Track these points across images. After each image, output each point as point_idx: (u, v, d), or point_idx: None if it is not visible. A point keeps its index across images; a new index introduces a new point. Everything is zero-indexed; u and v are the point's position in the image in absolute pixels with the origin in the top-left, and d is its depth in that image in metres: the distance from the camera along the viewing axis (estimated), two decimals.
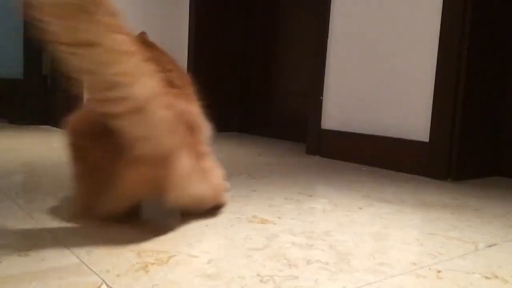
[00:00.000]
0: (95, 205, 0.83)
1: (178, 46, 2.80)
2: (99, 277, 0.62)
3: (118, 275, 0.63)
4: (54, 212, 0.91)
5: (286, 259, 0.73)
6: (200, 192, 0.89)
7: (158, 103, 0.74)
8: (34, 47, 2.58)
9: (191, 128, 0.90)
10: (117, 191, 0.78)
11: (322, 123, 2.03)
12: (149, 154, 0.74)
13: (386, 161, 1.76)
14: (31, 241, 0.74)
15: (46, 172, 1.31)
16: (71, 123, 0.87)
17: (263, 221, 0.94)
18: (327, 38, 2.01)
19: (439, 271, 0.72)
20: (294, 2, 2.63)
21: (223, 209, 1.01)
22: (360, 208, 1.11)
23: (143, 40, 0.99)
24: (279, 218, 0.98)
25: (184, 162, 0.81)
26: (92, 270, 0.64)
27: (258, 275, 0.66)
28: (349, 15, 1.93)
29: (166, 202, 0.81)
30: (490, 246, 0.88)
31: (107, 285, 0.60)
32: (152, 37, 2.58)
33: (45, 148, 1.78)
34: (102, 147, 0.80)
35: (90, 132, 0.82)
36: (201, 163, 0.90)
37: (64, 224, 0.84)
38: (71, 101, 2.45)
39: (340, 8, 1.97)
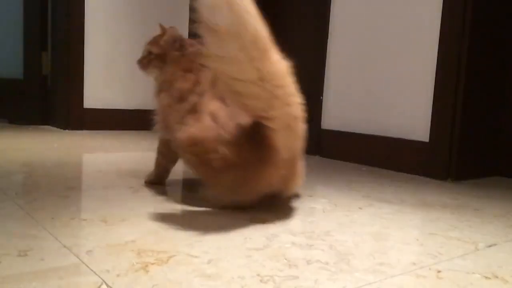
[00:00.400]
0: (227, 197, 1.01)
1: None
2: (99, 277, 0.62)
3: (118, 275, 0.63)
4: (54, 212, 0.92)
5: (286, 259, 0.73)
6: (300, 182, 1.09)
7: (302, 119, 0.94)
8: (34, 47, 2.58)
9: None
10: (257, 186, 0.97)
11: (322, 123, 2.03)
12: (289, 158, 0.96)
13: (386, 161, 1.76)
14: (31, 241, 0.74)
15: (46, 172, 1.31)
16: (198, 133, 1.01)
17: (263, 221, 0.94)
18: (327, 38, 2.01)
19: (439, 271, 0.72)
20: (294, 2, 2.63)
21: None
22: (360, 208, 1.11)
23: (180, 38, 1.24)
24: (279, 218, 0.98)
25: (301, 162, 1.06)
26: (92, 270, 0.64)
27: (258, 275, 0.66)
28: (349, 15, 1.93)
29: (284, 193, 1.05)
30: (490, 246, 0.88)
31: (107, 285, 0.60)
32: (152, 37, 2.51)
33: (45, 148, 1.78)
34: (238, 153, 0.96)
35: (225, 141, 0.97)
36: None
37: (64, 224, 0.84)
38: (71, 101, 2.45)
39: (340, 8, 1.97)
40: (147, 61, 1.26)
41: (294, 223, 0.94)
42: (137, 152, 1.87)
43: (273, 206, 1.08)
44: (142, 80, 2.70)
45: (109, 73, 2.57)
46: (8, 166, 1.38)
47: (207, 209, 1.01)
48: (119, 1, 2.57)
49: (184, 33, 2.81)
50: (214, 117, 1.01)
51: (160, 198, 1.08)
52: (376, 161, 1.79)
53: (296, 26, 2.63)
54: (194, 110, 1.05)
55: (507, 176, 1.74)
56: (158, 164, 1.25)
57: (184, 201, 1.10)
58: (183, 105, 1.08)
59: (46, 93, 2.62)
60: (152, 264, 0.67)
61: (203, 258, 0.71)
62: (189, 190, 1.22)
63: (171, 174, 1.48)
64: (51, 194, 1.06)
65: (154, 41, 1.28)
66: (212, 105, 1.03)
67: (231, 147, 0.96)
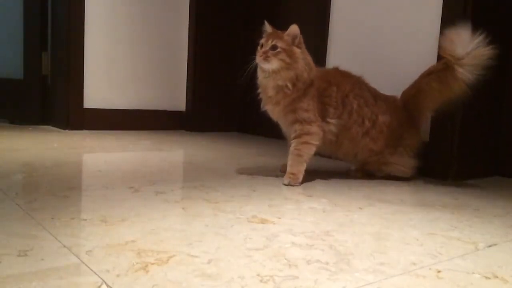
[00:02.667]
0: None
1: (178, 46, 2.80)
2: (99, 277, 0.62)
3: (118, 275, 0.63)
4: (54, 212, 0.92)
5: (286, 259, 0.73)
6: None
7: None
8: (34, 47, 2.58)
9: None
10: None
11: None
12: None
13: None
14: (31, 241, 0.74)
15: (46, 172, 1.31)
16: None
17: (263, 221, 0.94)
18: (327, 38, 2.01)
19: (439, 271, 0.72)
20: (295, 2, 2.63)
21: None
22: (360, 208, 1.11)
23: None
24: (279, 218, 0.98)
25: None
26: (92, 270, 0.64)
27: (258, 275, 0.66)
28: (349, 15, 1.93)
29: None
30: (490, 246, 0.88)
31: (107, 285, 0.60)
32: (152, 37, 2.60)
33: (45, 148, 1.78)
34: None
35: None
36: None
37: (64, 224, 0.84)
38: (71, 101, 2.45)
39: (340, 9, 1.96)
40: (272, 54, 1.36)
41: (294, 223, 0.94)
42: (137, 152, 1.87)
43: (273, 206, 1.08)
44: (142, 80, 2.70)
45: (109, 73, 2.57)
46: (8, 166, 1.38)
47: (207, 209, 1.02)
48: (119, 1, 2.57)
49: (184, 32, 2.81)
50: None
51: (160, 198, 1.08)
52: None
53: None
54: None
55: (507, 176, 1.74)
56: (305, 160, 1.40)
57: (184, 201, 1.10)
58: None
59: (46, 93, 2.62)
60: (152, 264, 0.67)
61: (203, 258, 0.71)
62: (189, 191, 1.22)
63: (168, 174, 1.48)
64: (51, 194, 1.06)
65: (278, 36, 1.39)
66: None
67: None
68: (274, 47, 1.36)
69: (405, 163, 1.53)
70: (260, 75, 1.44)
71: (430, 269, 0.73)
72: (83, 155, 1.75)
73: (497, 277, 0.71)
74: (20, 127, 2.44)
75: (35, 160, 1.50)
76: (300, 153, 1.39)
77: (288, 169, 1.38)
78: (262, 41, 1.42)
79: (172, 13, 2.76)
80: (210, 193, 1.18)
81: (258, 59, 1.38)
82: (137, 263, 0.67)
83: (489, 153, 1.75)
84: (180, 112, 2.84)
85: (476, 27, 1.55)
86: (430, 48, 1.63)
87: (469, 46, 1.38)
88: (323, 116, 1.45)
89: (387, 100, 1.57)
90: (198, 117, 2.80)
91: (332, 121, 1.45)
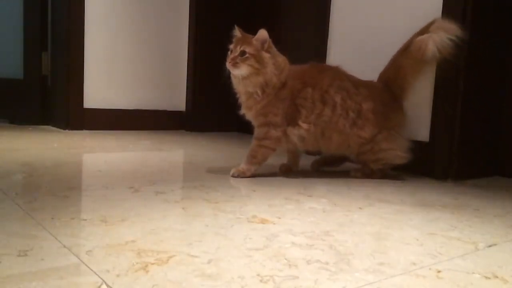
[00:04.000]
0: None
1: (178, 46, 2.80)
2: (99, 277, 0.62)
3: (118, 275, 0.63)
4: (54, 212, 0.92)
5: (286, 259, 0.73)
6: None
7: None
8: (34, 47, 2.58)
9: None
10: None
11: None
12: None
13: None
14: (31, 241, 0.74)
15: (46, 172, 1.31)
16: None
17: (263, 221, 0.94)
18: (327, 38, 2.01)
19: (439, 271, 0.72)
20: (295, 2, 2.63)
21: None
22: (360, 208, 1.11)
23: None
24: (279, 218, 0.98)
25: None
26: (92, 270, 0.64)
27: (258, 275, 0.66)
28: (349, 15, 1.93)
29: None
30: (490, 246, 0.88)
31: (107, 285, 0.60)
32: (152, 37, 2.60)
33: (45, 148, 1.78)
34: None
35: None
36: None
37: (64, 224, 0.84)
38: (71, 101, 2.45)
39: (340, 9, 1.96)
40: (241, 60, 1.37)
41: (294, 223, 0.94)
42: (137, 152, 1.87)
43: (273, 206, 1.08)
44: (142, 80, 2.70)
45: (109, 73, 2.57)
46: (8, 166, 1.38)
47: (207, 209, 1.02)
48: (119, 1, 2.57)
49: (184, 32, 2.81)
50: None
51: (160, 198, 1.09)
52: None
53: (297, 26, 2.63)
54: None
55: (507, 176, 1.74)
56: (258, 162, 1.45)
57: (184, 201, 1.10)
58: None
59: (46, 93, 2.62)
60: (152, 264, 0.67)
61: (203, 258, 0.71)
62: (189, 190, 1.22)
63: (168, 174, 1.48)
64: (51, 194, 1.06)
65: (246, 42, 1.40)
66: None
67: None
68: (242, 53, 1.37)
69: (400, 146, 1.52)
70: (233, 80, 1.46)
71: (430, 269, 0.73)
72: (83, 155, 1.75)
73: (497, 277, 0.71)
74: (20, 127, 2.45)
75: (35, 160, 1.50)
76: (256, 155, 1.44)
77: (242, 164, 1.44)
78: (231, 46, 1.42)
79: (172, 13, 2.76)
80: (210, 193, 1.18)
81: (228, 65, 1.39)
82: (137, 263, 0.67)
83: (489, 153, 1.75)
84: (180, 112, 2.84)
85: (475, 27, 1.56)
86: None
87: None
88: (294, 119, 1.45)
89: (367, 85, 1.56)
90: (198, 117, 2.80)
91: (304, 125, 1.44)
